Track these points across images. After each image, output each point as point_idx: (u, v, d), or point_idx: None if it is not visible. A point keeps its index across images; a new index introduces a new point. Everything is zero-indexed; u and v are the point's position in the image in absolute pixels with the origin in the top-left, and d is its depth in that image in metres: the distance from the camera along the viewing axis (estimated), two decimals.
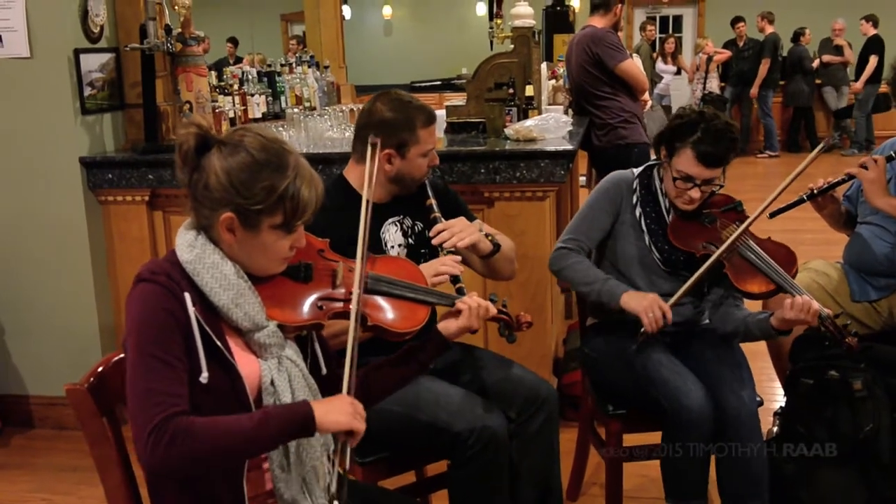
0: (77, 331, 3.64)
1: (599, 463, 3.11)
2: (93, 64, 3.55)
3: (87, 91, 3.53)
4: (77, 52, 3.47)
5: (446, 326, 1.91)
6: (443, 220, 2.36)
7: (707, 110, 2.57)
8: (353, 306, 1.71)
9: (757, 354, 2.65)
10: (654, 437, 2.57)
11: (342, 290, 1.77)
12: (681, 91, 11.69)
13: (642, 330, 2.45)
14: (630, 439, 2.62)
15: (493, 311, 1.94)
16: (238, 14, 12.18)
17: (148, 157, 3.55)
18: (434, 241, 2.31)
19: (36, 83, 3.47)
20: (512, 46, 4.13)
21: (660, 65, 11.80)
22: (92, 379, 1.72)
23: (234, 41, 11.60)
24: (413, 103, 2.39)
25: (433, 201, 2.42)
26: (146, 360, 1.51)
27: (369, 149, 2.02)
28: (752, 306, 2.67)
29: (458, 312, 1.90)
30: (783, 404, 2.92)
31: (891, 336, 2.93)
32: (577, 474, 3.01)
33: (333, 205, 2.00)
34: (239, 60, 9.92)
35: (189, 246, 1.64)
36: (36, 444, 3.60)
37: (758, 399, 2.53)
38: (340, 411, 1.56)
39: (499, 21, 4.76)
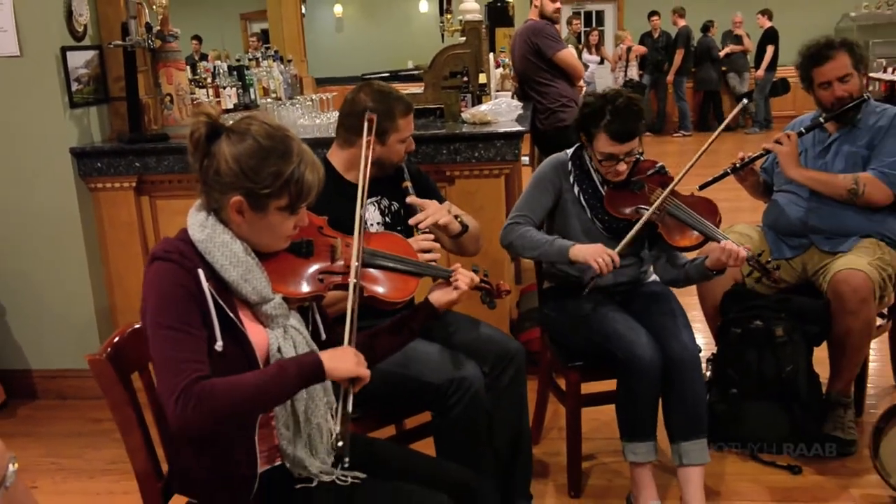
0: (74, 309, 3.56)
1: (556, 410, 3.16)
2: (78, 61, 3.44)
3: (75, 86, 3.42)
4: (64, 50, 3.36)
5: (436, 297, 1.90)
6: (418, 201, 2.35)
7: (608, 92, 2.56)
8: (351, 279, 1.69)
9: (691, 307, 2.68)
10: (607, 385, 2.60)
11: (341, 264, 1.75)
12: (604, 79, 11.75)
13: (592, 275, 2.44)
14: (586, 387, 2.64)
15: (478, 280, 1.93)
16: (200, 13, 11.91)
17: (134, 146, 3.46)
18: (410, 222, 2.29)
19: (26, 80, 3.36)
20: (463, 38, 4.10)
21: (585, 55, 11.84)
22: (110, 349, 1.67)
23: (198, 38, 11.30)
24: (393, 94, 2.36)
25: (409, 183, 2.40)
26: (167, 331, 1.48)
27: (366, 124, 1.99)
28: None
29: (449, 283, 1.89)
30: (715, 352, 2.98)
31: (805, 289, 2.99)
32: (538, 421, 3.03)
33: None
34: (204, 56, 9.68)
35: (201, 226, 1.60)
36: (40, 414, 3.52)
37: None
38: (346, 359, 1.56)
39: (448, 16, 4.73)
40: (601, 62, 12.10)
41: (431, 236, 2.23)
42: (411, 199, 2.34)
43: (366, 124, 2.01)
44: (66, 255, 3.51)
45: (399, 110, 2.33)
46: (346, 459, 1.50)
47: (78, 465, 3.06)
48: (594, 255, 2.43)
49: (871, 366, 3.30)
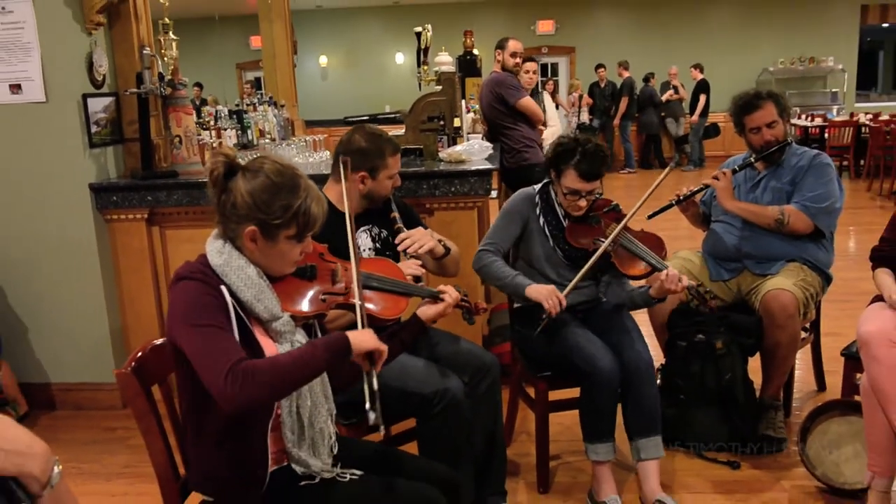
0: (90, 328, 3.51)
1: (525, 416, 3.17)
2: (97, 106, 3.43)
3: (94, 129, 3.41)
4: (85, 97, 3.36)
5: (424, 312, 1.92)
6: (405, 229, 2.37)
7: (581, 136, 2.62)
8: (356, 300, 1.71)
9: (642, 324, 2.72)
10: (571, 393, 2.62)
11: (341, 286, 1.76)
12: (559, 122, 11.88)
13: (544, 315, 2.46)
14: (552, 395, 2.65)
15: (459, 298, 1.96)
16: (203, 62, 11.88)
17: (146, 182, 3.45)
18: (399, 247, 2.31)
19: (51, 123, 3.34)
20: (439, 87, 4.14)
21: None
22: (134, 363, 1.66)
23: (199, 85, 11.30)
24: (383, 136, 2.39)
25: (396, 214, 2.43)
26: (202, 330, 1.48)
27: (341, 165, 2.01)
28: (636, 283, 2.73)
29: (437, 301, 1.91)
30: (663, 363, 3.02)
31: (740, 306, 3.04)
32: (510, 425, 3.04)
33: None
34: (204, 101, 9.66)
35: (218, 252, 1.61)
36: (59, 423, 3.45)
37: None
38: (368, 337, 1.59)
39: (425, 67, 4.77)
40: (556, 107, 12.23)
41: (419, 262, 2.26)
42: (401, 236, 2.35)
43: (340, 166, 2.02)
44: (84, 280, 3.47)
45: (389, 150, 2.36)
46: (382, 427, 1.50)
47: (96, 469, 3.01)
48: (546, 296, 2.45)
49: (797, 373, 3.37)
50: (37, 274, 3.49)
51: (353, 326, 1.69)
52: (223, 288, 1.55)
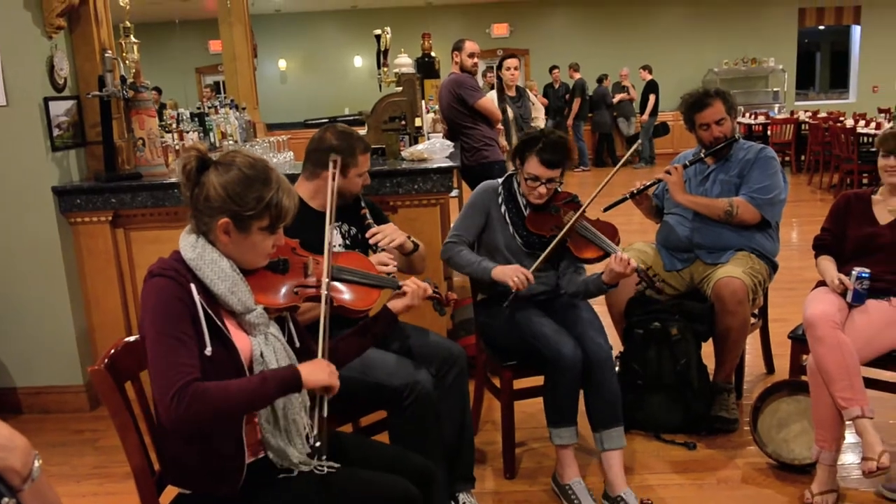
0: (55, 332, 3.43)
1: (490, 406, 3.20)
2: (59, 109, 3.35)
3: (56, 132, 3.33)
4: (46, 100, 3.28)
5: (394, 305, 1.92)
6: (375, 225, 2.38)
7: (546, 129, 2.69)
8: (322, 290, 1.72)
9: (602, 316, 2.77)
10: (533, 381, 2.65)
11: (313, 279, 1.76)
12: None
13: (512, 293, 2.50)
14: (516, 384, 2.68)
15: (430, 290, 1.97)
16: (162, 67, 11.68)
17: (110, 185, 3.38)
18: (371, 241, 2.31)
19: (12, 127, 3.26)
20: (400, 88, 4.15)
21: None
22: (107, 360, 1.64)
23: (158, 89, 11.08)
24: (354, 135, 2.39)
25: (366, 210, 2.43)
26: (164, 339, 1.48)
27: (331, 164, 2.01)
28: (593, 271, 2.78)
29: (404, 294, 1.93)
30: (622, 350, 3.08)
31: (693, 294, 3.11)
32: (476, 415, 3.05)
33: None
34: (163, 106, 9.50)
35: (192, 246, 1.60)
36: (26, 427, 3.34)
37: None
38: (320, 371, 1.58)
39: (385, 69, 4.77)
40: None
41: (390, 255, 2.27)
42: (372, 230, 2.36)
43: (331, 164, 2.02)
44: (49, 283, 3.39)
45: (359, 149, 2.37)
46: (324, 456, 1.54)
47: (65, 471, 2.94)
48: (512, 274, 2.50)
49: (747, 357, 3.47)
50: (1, 278, 3.40)
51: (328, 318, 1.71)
52: (192, 286, 1.55)
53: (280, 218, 1.63)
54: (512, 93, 5.82)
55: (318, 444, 1.56)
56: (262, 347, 1.64)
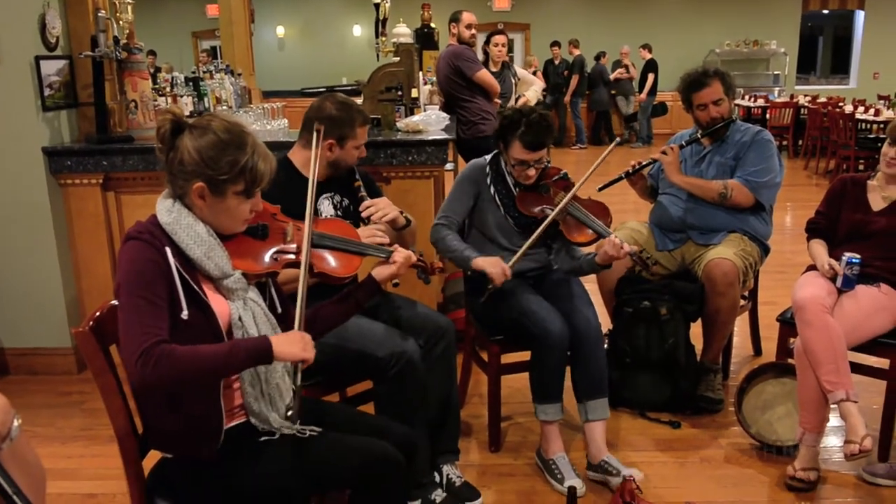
0: (45, 293, 3.42)
1: (477, 380, 3.21)
2: (51, 69, 3.30)
3: (47, 91, 3.29)
4: (37, 59, 3.23)
5: (379, 272, 1.90)
6: (368, 198, 2.36)
7: (524, 108, 2.61)
8: (303, 256, 1.71)
9: (592, 293, 2.77)
10: (520, 356, 2.64)
11: (293, 245, 1.75)
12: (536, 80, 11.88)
13: (490, 285, 2.48)
14: (503, 359, 2.68)
15: (415, 258, 1.95)
16: (157, 30, 11.53)
17: (101, 147, 3.35)
18: (364, 214, 2.29)
19: (2, 85, 3.21)
20: (397, 58, 4.11)
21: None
22: (92, 322, 1.63)
23: (153, 53, 10.93)
24: (354, 106, 2.36)
25: (360, 183, 2.41)
26: (134, 300, 1.47)
27: (314, 133, 1.99)
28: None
29: (391, 261, 1.91)
30: (611, 328, 3.08)
31: (683, 275, 3.11)
32: (462, 388, 3.07)
33: (278, 180, 1.96)
34: (158, 69, 9.38)
35: (168, 211, 1.59)
36: (13, 388, 3.34)
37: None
38: (293, 344, 1.56)
39: (383, 38, 4.72)
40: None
41: (382, 227, 2.25)
42: (365, 203, 2.34)
43: (314, 134, 1.98)
44: (38, 244, 3.37)
45: (358, 121, 2.34)
46: (298, 422, 1.54)
47: (51, 432, 2.94)
48: (490, 266, 2.48)
49: (735, 339, 3.47)
50: None
51: (310, 287, 1.70)
52: (168, 249, 1.53)
53: (255, 182, 1.61)
54: (496, 68, 5.75)
55: (290, 412, 1.56)
56: (241, 312, 1.63)
